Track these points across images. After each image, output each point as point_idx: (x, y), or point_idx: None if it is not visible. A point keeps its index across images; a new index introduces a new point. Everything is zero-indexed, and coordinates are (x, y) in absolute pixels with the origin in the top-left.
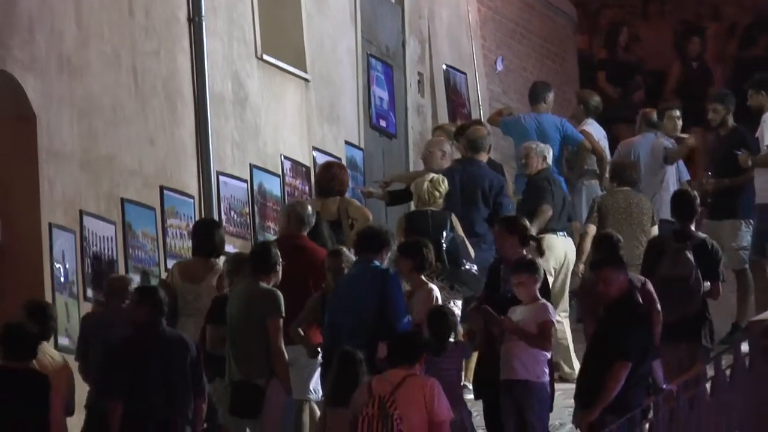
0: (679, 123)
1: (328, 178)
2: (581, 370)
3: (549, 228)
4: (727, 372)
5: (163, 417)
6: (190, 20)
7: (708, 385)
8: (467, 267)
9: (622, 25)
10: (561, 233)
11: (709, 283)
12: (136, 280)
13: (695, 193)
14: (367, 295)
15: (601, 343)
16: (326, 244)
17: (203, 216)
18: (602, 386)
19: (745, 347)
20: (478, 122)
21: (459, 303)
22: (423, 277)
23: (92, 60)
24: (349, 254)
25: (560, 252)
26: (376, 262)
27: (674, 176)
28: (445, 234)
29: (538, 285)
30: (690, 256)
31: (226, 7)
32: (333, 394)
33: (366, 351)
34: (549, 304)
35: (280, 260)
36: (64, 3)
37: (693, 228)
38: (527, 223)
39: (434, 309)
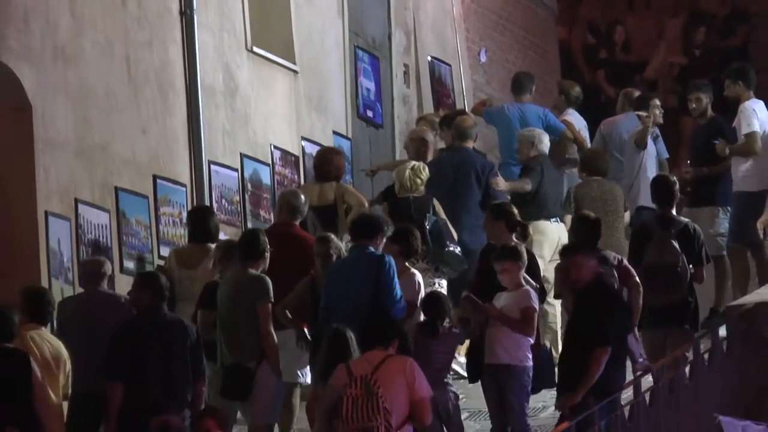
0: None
1: (325, 163)
2: (561, 356)
3: (542, 215)
4: (706, 356)
5: (160, 400)
6: (182, 13)
7: (687, 369)
8: (451, 248)
9: (616, 24)
10: (554, 219)
11: (692, 267)
12: (130, 266)
13: (674, 178)
14: (362, 281)
15: (578, 329)
16: (309, 230)
17: (195, 204)
18: (584, 371)
19: (722, 332)
20: (462, 112)
21: (444, 283)
22: (407, 263)
23: (86, 49)
24: (337, 240)
25: (554, 237)
26: (371, 249)
27: (653, 160)
28: (427, 217)
29: (522, 271)
30: (675, 243)
31: (217, 1)
32: (325, 370)
33: (360, 335)
34: (532, 291)
35: (268, 247)
36: None
37: (674, 212)
38: (514, 209)
39: (429, 295)
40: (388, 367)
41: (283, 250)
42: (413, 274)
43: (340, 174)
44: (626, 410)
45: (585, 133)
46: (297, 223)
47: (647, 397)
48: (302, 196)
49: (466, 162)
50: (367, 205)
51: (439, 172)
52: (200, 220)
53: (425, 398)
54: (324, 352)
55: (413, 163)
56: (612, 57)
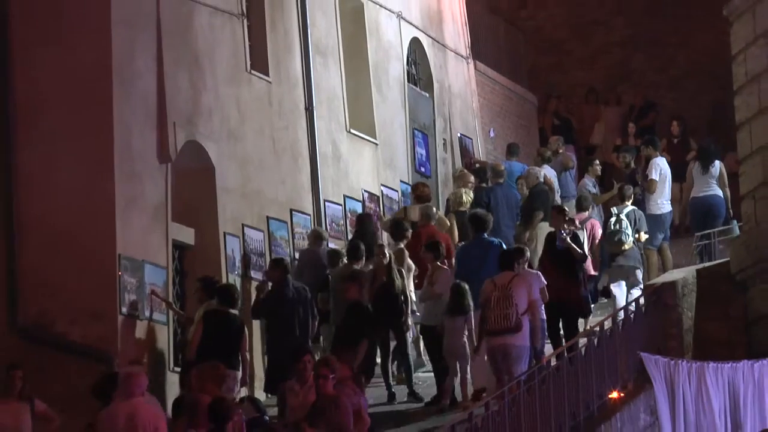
0: (599, 168)
1: (417, 191)
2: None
3: (545, 218)
4: (632, 315)
5: (301, 343)
6: (306, 109)
7: (620, 323)
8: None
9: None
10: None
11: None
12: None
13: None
14: (487, 256)
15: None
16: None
17: (316, 227)
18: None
19: (642, 300)
20: (483, 167)
21: None
22: (438, 263)
23: (247, 133)
24: (388, 249)
25: (546, 230)
26: (485, 235)
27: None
28: None
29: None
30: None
31: (327, 100)
32: (450, 308)
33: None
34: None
35: (364, 253)
36: (230, 97)
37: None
38: (566, 208)
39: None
40: (517, 280)
41: (424, 241)
42: (445, 269)
43: (428, 198)
44: (582, 350)
45: (554, 179)
46: (432, 224)
47: (595, 341)
48: (434, 208)
49: (512, 195)
50: (448, 224)
51: (497, 197)
52: (365, 223)
53: (537, 300)
54: (451, 297)
55: (464, 189)
56: (626, 142)
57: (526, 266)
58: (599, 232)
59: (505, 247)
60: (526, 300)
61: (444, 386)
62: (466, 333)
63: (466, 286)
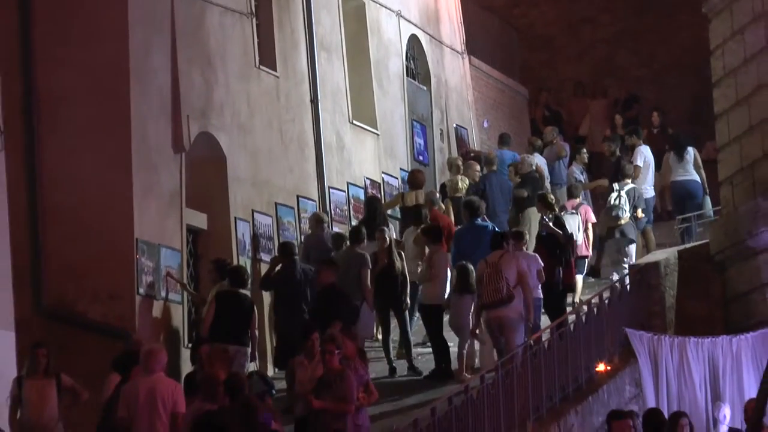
0: (586, 156)
1: (413, 178)
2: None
3: (532, 203)
4: (618, 294)
5: (302, 310)
6: (311, 101)
7: (607, 302)
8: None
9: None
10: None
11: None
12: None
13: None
14: (481, 238)
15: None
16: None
17: (315, 212)
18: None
19: (627, 280)
20: (478, 155)
21: None
22: (435, 246)
23: (256, 125)
24: (387, 231)
25: (538, 215)
26: (479, 220)
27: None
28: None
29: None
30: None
31: (332, 94)
32: (457, 286)
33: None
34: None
35: (365, 236)
36: (240, 92)
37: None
38: (551, 196)
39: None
40: (505, 257)
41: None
42: (442, 252)
43: (422, 183)
44: (571, 326)
45: (544, 167)
46: (435, 207)
47: (583, 317)
48: (438, 194)
49: (504, 182)
50: (444, 208)
51: (491, 184)
52: (372, 207)
53: (525, 271)
54: (457, 276)
55: (460, 176)
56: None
57: (525, 249)
58: (592, 216)
59: (498, 230)
60: (515, 274)
61: (458, 359)
62: (472, 310)
63: (471, 267)
